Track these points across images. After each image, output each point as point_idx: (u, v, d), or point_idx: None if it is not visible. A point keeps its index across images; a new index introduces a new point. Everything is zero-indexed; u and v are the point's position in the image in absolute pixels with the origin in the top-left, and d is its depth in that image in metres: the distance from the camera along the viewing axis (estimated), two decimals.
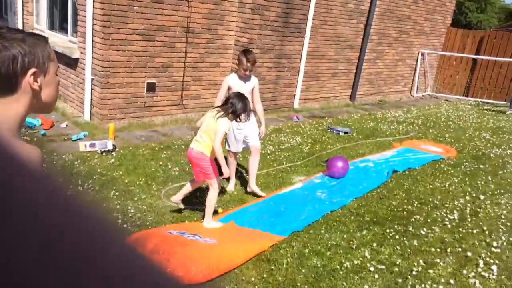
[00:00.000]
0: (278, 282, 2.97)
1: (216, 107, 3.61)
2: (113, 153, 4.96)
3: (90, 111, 6.09)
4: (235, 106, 3.46)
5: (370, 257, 3.43)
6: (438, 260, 3.49)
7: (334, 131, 6.98)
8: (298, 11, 7.56)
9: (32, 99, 1.25)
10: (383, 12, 9.32)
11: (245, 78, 4.10)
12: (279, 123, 7.24)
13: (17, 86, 1.21)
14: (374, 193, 4.72)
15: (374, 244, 3.63)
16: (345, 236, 3.73)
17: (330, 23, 8.32)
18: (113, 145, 5.03)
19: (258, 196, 4.29)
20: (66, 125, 5.70)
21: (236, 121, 3.56)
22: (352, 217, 4.10)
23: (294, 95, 8.19)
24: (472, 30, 14.36)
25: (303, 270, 3.13)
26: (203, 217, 3.63)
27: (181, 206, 3.79)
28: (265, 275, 3.02)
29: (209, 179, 3.52)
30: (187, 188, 3.73)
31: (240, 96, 3.56)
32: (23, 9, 7.75)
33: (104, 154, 4.89)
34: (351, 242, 3.62)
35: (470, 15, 19.21)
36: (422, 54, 11.00)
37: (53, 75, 1.31)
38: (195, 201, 4.09)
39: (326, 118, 7.92)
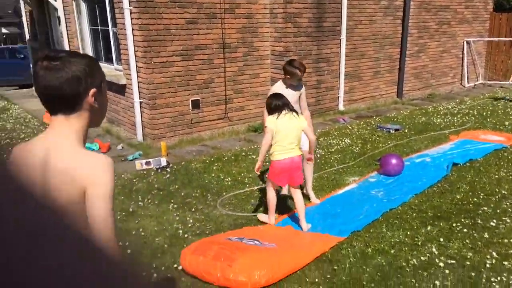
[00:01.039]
0: (343, 281, 2.87)
1: (276, 113, 3.50)
2: (167, 169, 5.10)
3: (142, 132, 6.32)
4: (290, 105, 3.57)
5: (438, 252, 3.24)
6: None
7: (384, 129, 6.77)
8: (331, 14, 7.50)
9: (91, 115, 1.34)
10: (419, 4, 9.03)
11: (294, 86, 4.04)
12: (325, 126, 7.14)
13: (80, 104, 1.30)
14: (435, 188, 4.50)
15: (441, 239, 3.43)
16: (408, 233, 3.56)
17: (365, 22, 8.17)
18: (167, 161, 5.18)
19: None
20: (122, 147, 5.95)
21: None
22: (414, 214, 3.91)
23: (338, 97, 8.07)
24: None
25: (367, 269, 3.02)
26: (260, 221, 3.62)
27: (274, 221, 3.73)
28: (328, 276, 2.94)
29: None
30: (273, 204, 3.67)
31: (282, 95, 3.64)
32: (69, 46, 8.25)
33: (159, 170, 5.04)
34: (416, 239, 3.45)
35: None
36: (468, 43, 10.50)
37: (105, 94, 1.41)
38: (250, 208, 4.09)
39: (374, 117, 7.72)
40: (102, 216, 1.24)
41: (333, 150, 5.86)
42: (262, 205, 4.14)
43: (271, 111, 3.52)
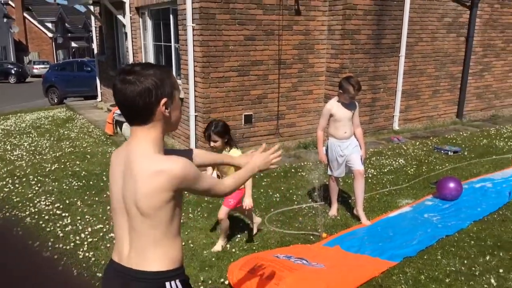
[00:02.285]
0: None
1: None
2: None
3: (195, 145, 6.52)
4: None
5: (496, 284, 3.05)
6: None
7: (442, 151, 6.50)
8: (391, 31, 7.37)
9: (164, 124, 1.43)
10: (485, 22, 8.63)
11: (347, 104, 4.04)
12: (378, 145, 6.97)
13: (153, 114, 1.39)
14: (495, 216, 4.24)
15: (501, 271, 3.22)
16: (465, 262, 3.37)
17: (426, 39, 7.94)
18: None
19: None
20: None
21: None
22: (472, 242, 3.71)
23: (393, 116, 7.86)
24: None
25: None
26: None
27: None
28: None
29: None
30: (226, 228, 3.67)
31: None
32: (133, 60, 8.74)
33: None
34: (473, 269, 3.27)
35: None
36: None
37: (178, 100, 1.48)
38: (298, 226, 4.07)
39: (431, 138, 7.43)
40: (207, 191, 1.51)
41: (385, 170, 5.70)
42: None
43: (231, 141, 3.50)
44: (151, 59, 8.27)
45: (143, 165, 1.37)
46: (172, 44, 7.19)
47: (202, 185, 1.46)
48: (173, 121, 1.47)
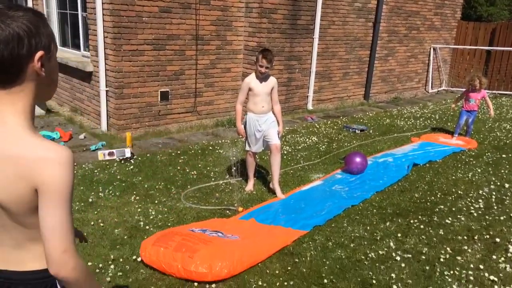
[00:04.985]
0: (303, 273, 2.92)
1: None
2: (131, 160, 5.01)
3: (107, 122, 6.17)
4: None
5: (395, 247, 3.36)
6: (466, 247, 3.39)
7: (350, 129, 6.92)
8: (305, 12, 7.58)
9: (38, 87, 1.07)
10: (391, 9, 9.27)
11: (263, 79, 4.09)
12: (294, 124, 7.22)
13: (22, 73, 1.03)
14: (395, 187, 4.64)
15: (399, 235, 3.55)
16: (368, 228, 3.66)
17: (338, 23, 8.31)
18: (131, 152, 5.08)
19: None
20: (84, 137, 5.78)
21: None
22: (374, 210, 4.03)
23: (307, 96, 8.16)
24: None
25: (327, 262, 3.08)
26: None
27: None
28: (289, 268, 2.98)
29: None
30: None
31: None
32: None
33: (123, 162, 4.94)
34: (375, 234, 3.56)
35: (480, 9, 18.93)
36: (434, 49, 10.87)
37: (55, 57, 1.15)
38: (214, 201, 4.08)
39: (341, 117, 7.87)
40: (50, 225, 1.01)
41: (299, 147, 5.93)
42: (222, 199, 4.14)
43: None
44: (54, 27, 7.57)
45: (13, 149, 1.01)
46: (79, 12, 6.64)
47: (66, 206, 1.02)
48: (49, 85, 1.12)
